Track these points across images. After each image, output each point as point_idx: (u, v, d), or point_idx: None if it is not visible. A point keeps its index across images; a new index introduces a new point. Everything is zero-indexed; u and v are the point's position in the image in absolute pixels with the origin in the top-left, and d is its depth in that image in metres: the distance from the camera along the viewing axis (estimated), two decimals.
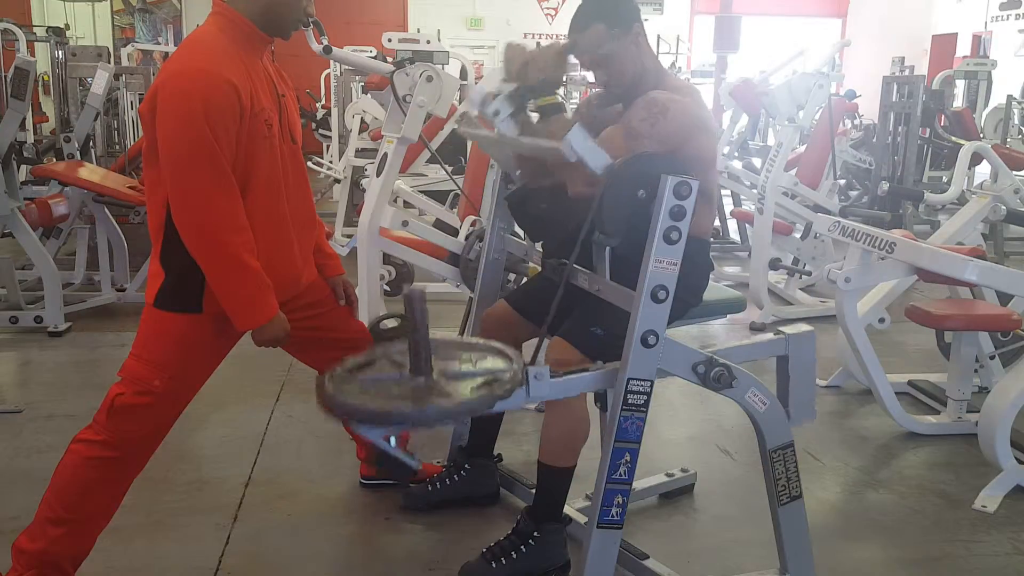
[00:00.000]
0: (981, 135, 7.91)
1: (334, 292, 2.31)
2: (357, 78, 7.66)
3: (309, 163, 5.29)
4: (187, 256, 1.88)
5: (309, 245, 2.20)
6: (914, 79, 6.85)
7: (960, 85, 9.06)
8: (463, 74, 6.98)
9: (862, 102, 8.85)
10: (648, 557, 2.19)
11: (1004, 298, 3.40)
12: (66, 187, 4.50)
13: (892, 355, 3.95)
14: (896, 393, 3.23)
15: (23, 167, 5.31)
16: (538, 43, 2.23)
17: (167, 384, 1.94)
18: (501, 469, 2.63)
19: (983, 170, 6.65)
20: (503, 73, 2.03)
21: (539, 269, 2.35)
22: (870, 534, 2.53)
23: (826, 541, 2.39)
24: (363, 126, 6.76)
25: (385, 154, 3.38)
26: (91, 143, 5.20)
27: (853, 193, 7.11)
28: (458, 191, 4.50)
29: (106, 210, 4.67)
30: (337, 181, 7.07)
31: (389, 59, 4.30)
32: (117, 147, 6.48)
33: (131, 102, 6.24)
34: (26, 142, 6.06)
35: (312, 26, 2.70)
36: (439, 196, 5.26)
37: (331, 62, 7.75)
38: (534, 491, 2.28)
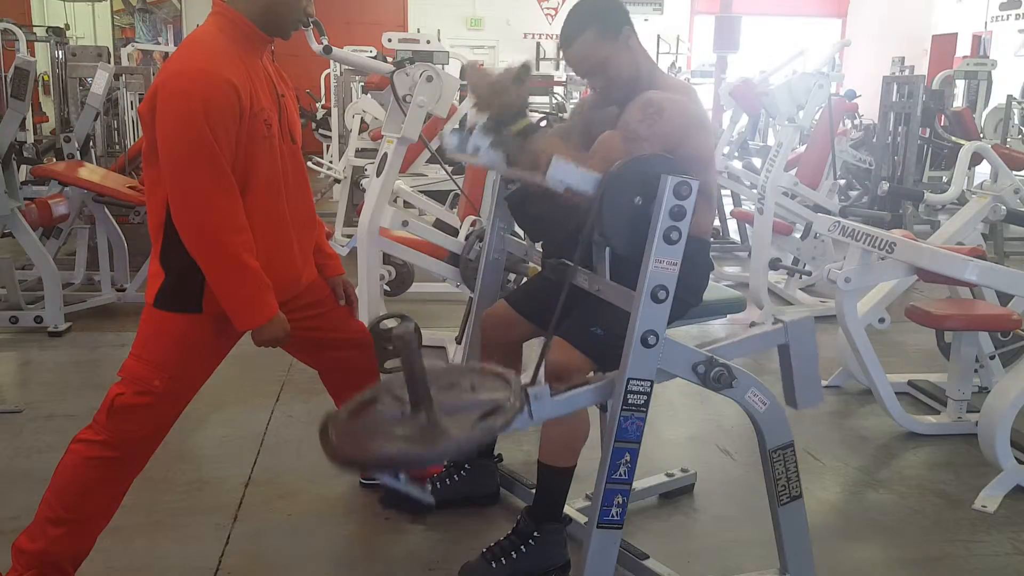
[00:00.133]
0: (981, 135, 7.91)
1: (334, 292, 2.31)
2: (357, 78, 7.66)
3: (309, 163, 5.30)
4: (187, 256, 1.88)
5: (309, 245, 2.20)
6: (914, 79, 6.85)
7: (960, 85, 9.06)
8: (463, 74, 6.99)
9: (862, 102, 8.85)
10: (648, 557, 2.19)
11: (1004, 298, 3.40)
12: (66, 187, 4.50)
13: (892, 355, 3.95)
14: (896, 393, 3.23)
15: (23, 167, 5.30)
16: (489, 65, 2.15)
17: (167, 384, 1.94)
18: (501, 469, 2.63)
19: (983, 170, 6.64)
20: (472, 100, 1.94)
21: (539, 269, 2.35)
22: (870, 534, 2.53)
23: (826, 541, 2.39)
24: (363, 126, 6.76)
25: (385, 154, 3.39)
26: (91, 143, 5.20)
27: (853, 193, 7.11)
28: (458, 191, 4.50)
29: (106, 210, 4.67)
30: (337, 181, 7.08)
31: (389, 59, 4.30)
32: (117, 147, 6.48)
33: (131, 102, 6.23)
34: (26, 142, 6.06)
35: (312, 26, 2.70)
36: (439, 196, 5.26)
37: (331, 62, 7.75)
38: (534, 491, 2.28)
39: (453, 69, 5.22)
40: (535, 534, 2.19)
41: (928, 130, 6.65)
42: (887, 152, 6.46)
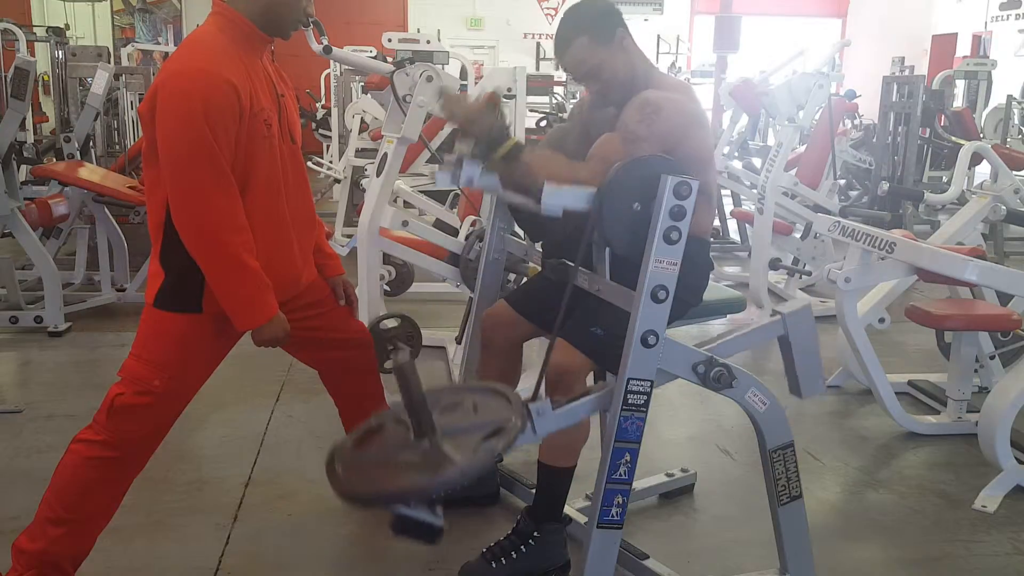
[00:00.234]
0: (981, 135, 7.91)
1: (334, 292, 2.31)
2: (357, 78, 7.66)
3: (309, 163, 5.30)
4: (187, 256, 1.88)
5: (309, 245, 2.20)
6: (914, 79, 6.85)
7: (960, 85, 9.06)
8: (463, 74, 6.99)
9: (862, 102, 8.85)
10: (648, 557, 2.19)
11: (1004, 298, 3.41)
12: (66, 187, 4.50)
13: (892, 355, 3.96)
14: (896, 393, 3.23)
15: (23, 167, 5.30)
16: (467, 86, 2.12)
17: (167, 384, 1.94)
18: (501, 469, 2.62)
19: (983, 170, 6.64)
20: (452, 128, 1.92)
21: (539, 269, 2.35)
22: (870, 534, 2.53)
23: (826, 541, 2.39)
24: (363, 126, 6.76)
25: (385, 154, 3.38)
26: (91, 143, 5.20)
27: (853, 193, 7.11)
28: (458, 191, 4.50)
29: (106, 210, 4.67)
30: (337, 181, 7.08)
31: (389, 59, 4.29)
32: (117, 147, 6.48)
33: (131, 102, 6.24)
34: (26, 142, 6.06)
35: (312, 26, 2.70)
36: (439, 196, 5.26)
37: (331, 62, 7.75)
38: (534, 491, 2.28)
39: (453, 69, 5.23)
40: (535, 534, 2.19)
41: (928, 130, 6.66)
42: (887, 152, 6.46)
